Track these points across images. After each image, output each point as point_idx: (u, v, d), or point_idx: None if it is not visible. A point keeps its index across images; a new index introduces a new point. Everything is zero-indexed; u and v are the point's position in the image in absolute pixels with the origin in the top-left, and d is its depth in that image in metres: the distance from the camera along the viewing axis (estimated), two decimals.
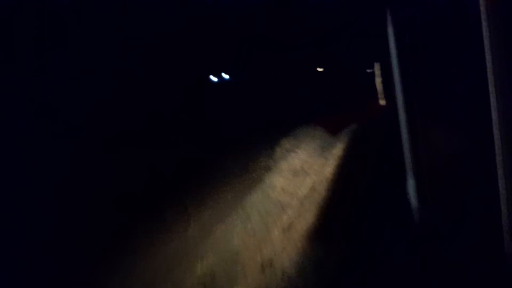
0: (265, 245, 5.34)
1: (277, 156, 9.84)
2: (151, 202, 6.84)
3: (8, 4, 6.64)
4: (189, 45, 10.65)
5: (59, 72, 7.56)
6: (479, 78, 2.17)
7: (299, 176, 8.38)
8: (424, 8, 2.69)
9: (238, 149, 9.66)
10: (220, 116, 11.41)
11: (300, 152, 10.13)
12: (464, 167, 3.14)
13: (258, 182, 8.14)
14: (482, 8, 2.01)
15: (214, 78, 16.31)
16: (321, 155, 9.76)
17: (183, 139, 9.27)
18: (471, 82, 2.37)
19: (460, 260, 3.03)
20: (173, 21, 10.01)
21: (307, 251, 4.80)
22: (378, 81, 15.21)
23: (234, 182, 8.17)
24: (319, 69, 23.98)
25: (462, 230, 3.14)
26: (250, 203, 7.07)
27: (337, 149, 9.90)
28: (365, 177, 7.11)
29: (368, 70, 20.69)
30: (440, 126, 3.33)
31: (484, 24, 2.04)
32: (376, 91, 16.00)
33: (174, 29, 9.90)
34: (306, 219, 5.89)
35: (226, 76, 16.90)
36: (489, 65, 2.07)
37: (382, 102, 14.31)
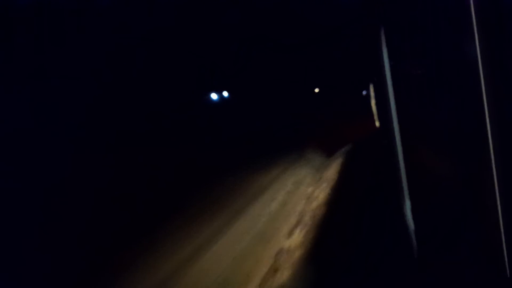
0: (306, 190, 9.42)
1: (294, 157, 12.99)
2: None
3: (8, 4, 6.66)
4: (190, 46, 10.77)
5: (59, 72, 7.56)
6: (476, 100, 2.14)
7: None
8: (421, 28, 2.72)
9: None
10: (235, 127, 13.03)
11: (310, 152, 13.81)
12: (460, 188, 3.10)
13: (287, 169, 11.35)
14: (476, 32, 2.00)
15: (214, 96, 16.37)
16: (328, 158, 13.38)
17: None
18: (468, 104, 2.35)
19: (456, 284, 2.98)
20: (174, 21, 10.08)
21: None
22: (373, 102, 15.30)
23: (266, 171, 10.76)
24: (316, 90, 24.18)
25: (458, 257, 3.09)
26: (291, 173, 10.96)
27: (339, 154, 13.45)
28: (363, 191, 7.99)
29: (364, 92, 20.87)
30: (434, 147, 3.32)
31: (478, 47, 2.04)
32: (371, 112, 16.07)
33: (175, 29, 9.97)
34: (329, 178, 10.05)
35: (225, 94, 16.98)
36: (484, 88, 2.05)
37: (377, 123, 14.36)
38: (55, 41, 7.60)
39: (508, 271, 2.08)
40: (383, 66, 4.38)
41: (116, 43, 8.84)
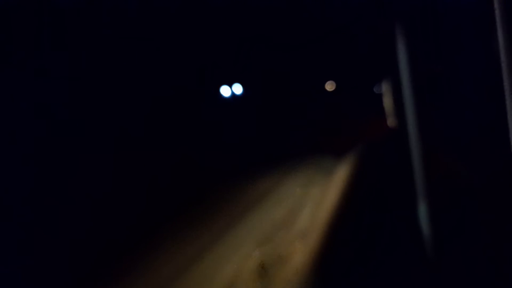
0: (318, 181, 9.17)
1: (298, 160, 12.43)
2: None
3: (8, 4, 6.67)
4: (193, 45, 10.71)
5: (59, 73, 7.59)
6: (499, 99, 1.98)
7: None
8: (439, 20, 2.55)
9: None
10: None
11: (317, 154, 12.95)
12: (481, 192, 2.95)
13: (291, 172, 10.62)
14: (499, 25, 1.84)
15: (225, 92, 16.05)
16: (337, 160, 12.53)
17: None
18: (491, 104, 2.17)
19: None
20: (175, 20, 9.98)
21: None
22: (386, 100, 15.01)
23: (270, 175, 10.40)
24: (328, 88, 23.97)
25: (477, 264, 2.96)
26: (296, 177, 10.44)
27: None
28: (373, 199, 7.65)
29: (375, 89, 20.55)
30: (455, 149, 3.17)
31: (501, 41, 1.86)
32: (383, 111, 15.81)
33: (177, 28, 9.89)
34: (338, 181, 9.53)
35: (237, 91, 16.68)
36: (506, 83, 1.88)
37: (391, 123, 14.09)
38: (55, 41, 7.62)
39: None
40: (398, 62, 4.21)
41: (117, 43, 8.83)
